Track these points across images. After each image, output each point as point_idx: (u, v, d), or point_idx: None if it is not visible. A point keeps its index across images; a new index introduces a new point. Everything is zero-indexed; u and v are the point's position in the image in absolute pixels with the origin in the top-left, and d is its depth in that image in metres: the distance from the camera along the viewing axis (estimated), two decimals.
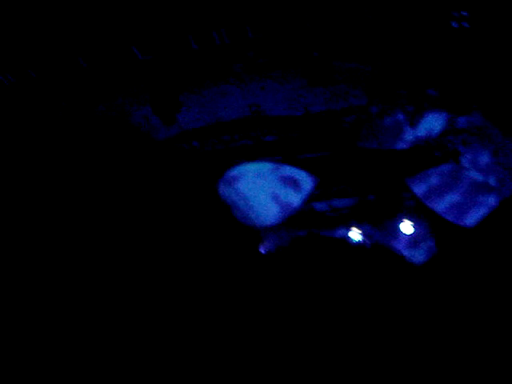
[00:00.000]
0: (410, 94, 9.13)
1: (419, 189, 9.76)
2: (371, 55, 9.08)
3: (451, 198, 9.50)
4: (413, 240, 10.51)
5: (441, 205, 9.58)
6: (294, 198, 9.26)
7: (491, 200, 9.31)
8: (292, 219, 10.04)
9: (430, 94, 9.06)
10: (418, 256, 9.93)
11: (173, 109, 8.63)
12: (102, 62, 8.73)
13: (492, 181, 9.45)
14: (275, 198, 9.19)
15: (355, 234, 10.89)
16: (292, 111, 9.78)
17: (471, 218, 9.24)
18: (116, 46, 8.20)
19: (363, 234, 10.87)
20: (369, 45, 8.90)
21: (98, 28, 7.86)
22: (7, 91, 8.84)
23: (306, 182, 9.30)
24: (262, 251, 12.02)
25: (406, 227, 10.49)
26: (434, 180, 9.62)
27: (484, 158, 9.93)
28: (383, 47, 8.87)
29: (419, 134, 9.31)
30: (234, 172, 9.40)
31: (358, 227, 10.95)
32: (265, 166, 9.34)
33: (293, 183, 9.23)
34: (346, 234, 11.04)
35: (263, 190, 9.18)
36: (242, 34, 8.50)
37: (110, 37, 8.05)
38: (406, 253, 10.39)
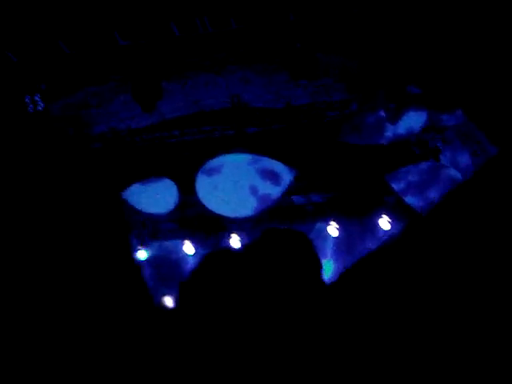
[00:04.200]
0: (392, 90, 9.13)
1: (398, 185, 9.78)
2: (356, 50, 9.06)
3: (430, 195, 9.53)
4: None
5: (419, 201, 9.61)
6: (273, 191, 9.25)
7: None
8: (270, 212, 10.04)
9: (412, 91, 9.07)
10: None
11: (154, 96, 8.57)
12: (84, 47, 8.66)
13: None
14: (253, 189, 9.17)
15: (333, 229, 10.90)
16: (274, 103, 9.76)
17: None
18: (96, 30, 8.13)
19: (341, 229, 10.89)
20: (354, 39, 8.88)
21: (78, 11, 7.78)
22: None
23: (285, 174, 9.29)
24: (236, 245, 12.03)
25: (384, 223, 10.52)
26: (413, 177, 9.65)
27: (464, 158, 9.97)
28: (368, 42, 8.86)
29: (400, 131, 9.32)
30: (213, 163, 9.38)
31: (337, 222, 10.96)
32: (243, 158, 9.32)
33: (272, 175, 9.22)
34: (325, 227, 11.06)
35: (241, 182, 9.17)
36: (226, 24, 8.45)
37: (90, 21, 7.98)
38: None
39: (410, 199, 9.42)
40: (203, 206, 10.05)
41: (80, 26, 8.23)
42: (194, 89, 9.69)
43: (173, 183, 10.08)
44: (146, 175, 10.10)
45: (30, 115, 9.33)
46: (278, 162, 9.32)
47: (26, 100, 9.14)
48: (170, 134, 9.89)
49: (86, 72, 9.23)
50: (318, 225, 10.89)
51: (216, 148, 9.73)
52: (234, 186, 9.14)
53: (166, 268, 13.28)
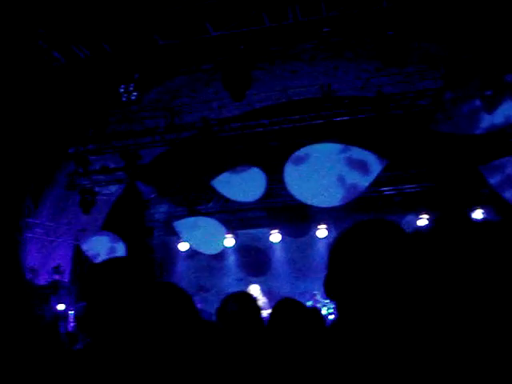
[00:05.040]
0: (487, 79, 8.75)
1: (494, 177, 9.39)
2: (451, 37, 8.74)
3: None
4: None
5: None
6: (361, 180, 9.09)
7: None
8: (358, 202, 9.91)
9: (509, 80, 8.66)
10: None
11: (243, 85, 8.58)
12: (177, 38, 8.78)
13: None
14: (341, 179, 9.04)
15: (424, 221, 10.65)
16: (364, 92, 9.58)
17: None
18: (188, 22, 8.22)
19: (432, 221, 10.60)
20: (448, 26, 8.56)
21: (171, 3, 7.90)
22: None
23: (375, 164, 9.11)
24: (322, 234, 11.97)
25: (478, 216, 10.17)
26: (509, 169, 9.24)
27: None
28: (464, 29, 8.52)
29: (496, 121, 8.91)
30: (302, 152, 9.33)
31: (428, 214, 10.69)
32: (332, 147, 9.21)
33: (360, 165, 9.06)
34: (415, 220, 10.82)
35: (329, 171, 9.04)
36: (316, 11, 8.32)
37: (182, 13, 8.07)
38: None
39: (506, 193, 9.02)
40: (291, 195, 10.05)
41: (173, 18, 8.35)
42: (283, 78, 9.67)
43: (261, 172, 10.12)
44: (235, 164, 10.19)
45: (124, 104, 9.57)
46: (368, 152, 9.15)
47: (121, 90, 9.39)
48: (259, 123, 9.91)
49: (179, 62, 9.38)
50: (409, 217, 10.65)
51: (305, 137, 9.68)
52: (322, 175, 9.03)
53: (253, 256, 13.43)
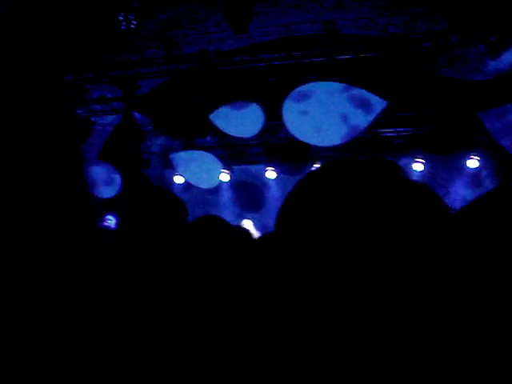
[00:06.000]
0: (493, 23, 8.57)
1: (493, 124, 9.34)
2: None
3: None
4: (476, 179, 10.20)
5: None
6: (363, 120, 9.01)
7: None
8: (356, 143, 9.87)
9: None
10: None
11: (245, 18, 8.39)
12: None
13: None
14: (344, 118, 8.94)
15: (419, 164, 10.66)
16: (368, 31, 9.41)
17: None
18: None
19: (427, 164, 10.62)
20: None
21: None
22: None
23: (376, 104, 9.01)
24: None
25: (473, 163, 10.17)
26: (509, 116, 9.18)
27: None
28: None
29: (499, 67, 8.79)
30: (303, 89, 9.21)
31: (424, 157, 10.68)
32: (335, 86, 9.09)
33: (363, 105, 8.95)
34: (411, 162, 10.83)
35: (332, 110, 8.93)
36: None
37: None
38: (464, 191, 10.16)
39: (503, 140, 8.99)
40: (288, 133, 10.00)
41: None
42: (286, 12, 9.45)
43: (259, 108, 10.03)
44: (234, 98, 10.09)
45: (124, 33, 9.39)
46: (369, 92, 9.03)
47: (120, 18, 9.19)
48: (259, 58, 9.76)
49: None
50: (404, 159, 10.64)
51: (305, 74, 9.55)
52: (324, 113, 8.91)
53: (248, 192, 13.47)
